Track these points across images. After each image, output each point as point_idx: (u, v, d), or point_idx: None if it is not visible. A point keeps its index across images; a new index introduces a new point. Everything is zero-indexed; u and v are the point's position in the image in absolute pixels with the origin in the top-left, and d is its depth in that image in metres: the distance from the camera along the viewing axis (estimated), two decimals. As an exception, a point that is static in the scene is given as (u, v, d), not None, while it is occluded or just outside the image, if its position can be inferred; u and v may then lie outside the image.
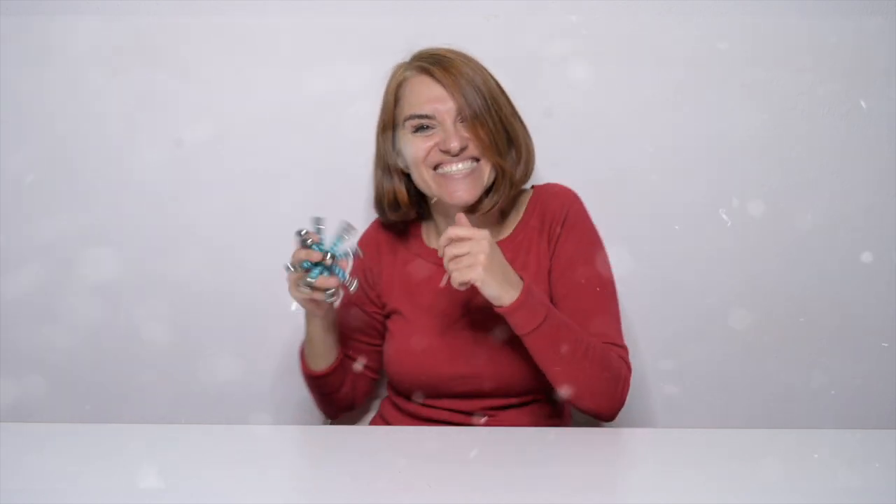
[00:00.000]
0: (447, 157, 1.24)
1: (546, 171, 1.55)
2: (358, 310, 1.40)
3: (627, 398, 1.62)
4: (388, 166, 1.32)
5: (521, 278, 1.15)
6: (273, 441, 1.12)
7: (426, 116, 1.25)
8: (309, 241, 1.17)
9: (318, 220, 1.17)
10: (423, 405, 1.31)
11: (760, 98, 1.56)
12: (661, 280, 1.62)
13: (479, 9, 1.54)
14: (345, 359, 1.37)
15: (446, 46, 1.31)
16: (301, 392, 1.46)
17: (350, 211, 1.56)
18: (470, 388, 1.27)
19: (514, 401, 1.28)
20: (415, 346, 1.30)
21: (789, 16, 1.54)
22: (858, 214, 1.59)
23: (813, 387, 1.64)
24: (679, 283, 1.62)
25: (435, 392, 1.30)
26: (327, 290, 1.17)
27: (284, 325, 1.60)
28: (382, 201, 1.35)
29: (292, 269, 1.18)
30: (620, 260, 1.57)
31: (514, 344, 1.20)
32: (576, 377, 1.16)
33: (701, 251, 1.60)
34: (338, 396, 1.40)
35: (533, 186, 1.39)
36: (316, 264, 1.16)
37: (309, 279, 1.16)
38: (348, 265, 1.16)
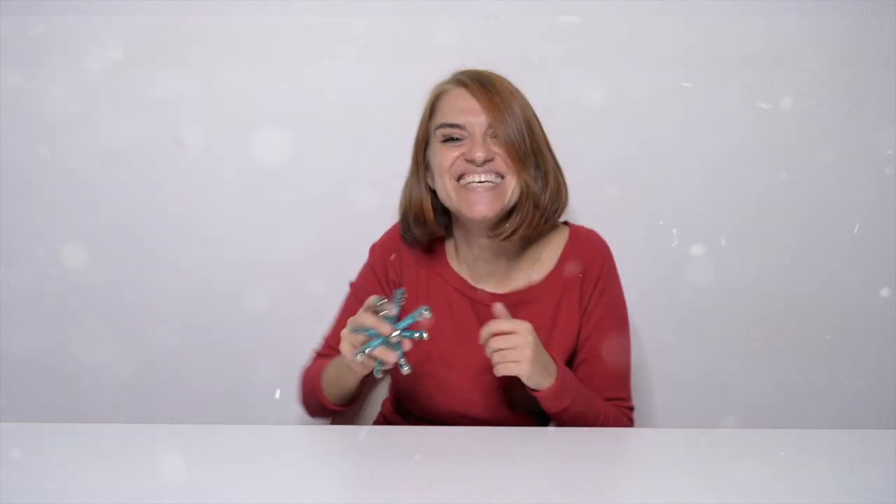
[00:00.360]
0: (471, 167, 1.22)
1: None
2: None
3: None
4: (419, 180, 1.30)
5: (554, 361, 1.17)
6: (273, 441, 1.12)
7: (456, 126, 1.23)
8: (383, 312, 1.12)
9: (401, 294, 1.15)
10: (424, 418, 1.32)
11: (760, 98, 1.56)
12: (660, 280, 1.62)
13: (479, 9, 1.54)
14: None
15: (489, 70, 1.30)
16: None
17: (350, 210, 1.56)
18: (467, 422, 1.27)
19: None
20: (424, 376, 1.28)
21: (789, 15, 1.54)
22: (858, 214, 1.59)
23: (813, 387, 1.65)
24: (679, 283, 1.62)
25: (435, 416, 1.30)
26: (381, 362, 1.12)
27: (285, 326, 1.60)
28: (409, 215, 1.31)
29: (356, 332, 1.12)
30: (619, 260, 1.57)
31: (517, 389, 1.20)
32: None
33: (700, 251, 1.60)
34: (338, 412, 1.35)
35: (568, 224, 1.36)
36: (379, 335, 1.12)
37: (368, 347, 1.11)
38: (409, 346, 1.11)
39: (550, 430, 1.26)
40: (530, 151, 1.24)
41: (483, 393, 1.27)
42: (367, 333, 1.11)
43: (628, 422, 1.27)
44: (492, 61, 1.55)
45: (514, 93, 1.27)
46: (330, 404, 1.29)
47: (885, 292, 1.61)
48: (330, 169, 1.59)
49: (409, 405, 1.34)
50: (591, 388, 1.25)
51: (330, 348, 1.34)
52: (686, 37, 1.55)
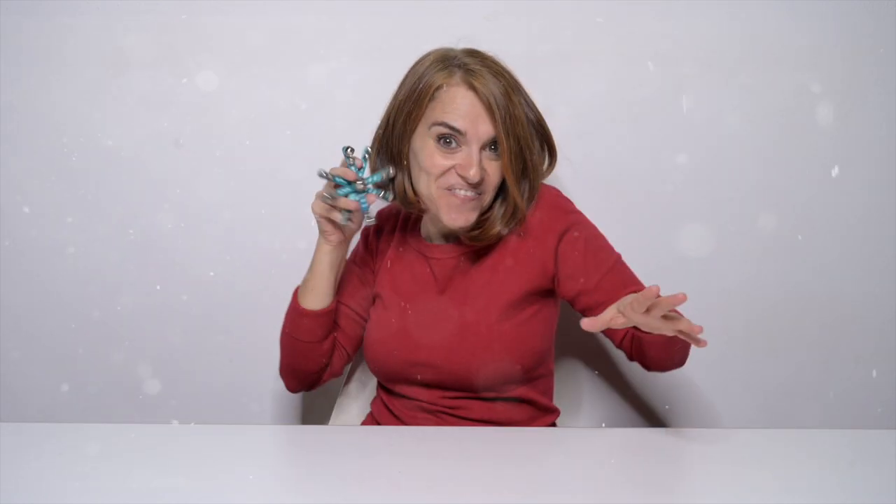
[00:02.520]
0: (461, 182, 1.21)
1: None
2: (357, 273, 1.39)
3: (628, 399, 1.63)
4: (394, 151, 1.26)
5: None
6: (273, 441, 1.12)
7: (457, 131, 1.20)
8: (351, 163, 1.23)
9: (367, 151, 1.27)
10: (400, 396, 1.32)
11: (760, 98, 1.56)
12: (660, 279, 1.62)
13: (479, 9, 1.54)
14: (336, 308, 1.34)
15: (493, 56, 1.26)
16: (301, 392, 1.46)
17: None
18: (430, 378, 1.27)
19: (475, 395, 1.28)
20: (383, 329, 1.32)
21: (789, 16, 1.54)
22: (858, 214, 1.59)
23: (813, 387, 1.65)
24: (678, 283, 1.61)
25: (402, 378, 1.31)
26: (346, 210, 1.22)
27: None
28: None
29: (327, 177, 1.22)
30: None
31: (472, 336, 1.23)
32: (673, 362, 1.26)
33: (700, 251, 1.60)
34: (317, 351, 1.33)
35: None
36: (348, 184, 1.23)
37: (336, 193, 1.22)
38: (374, 200, 1.23)
39: (550, 430, 1.26)
40: (527, 160, 1.24)
41: (442, 336, 1.27)
42: (335, 182, 1.23)
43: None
44: (492, 61, 1.55)
45: (517, 88, 1.25)
46: (302, 308, 1.31)
47: (884, 292, 1.61)
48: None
49: (380, 372, 1.35)
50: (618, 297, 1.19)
51: None
52: (686, 37, 1.55)
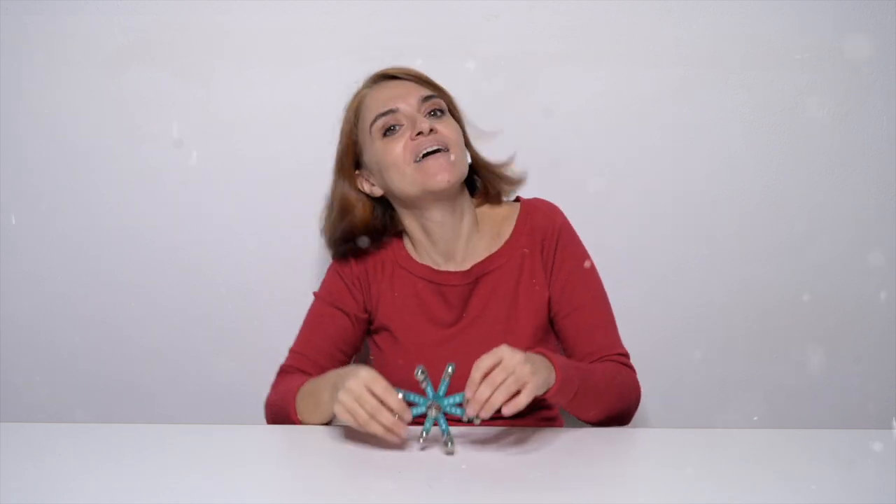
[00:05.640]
0: (421, 139, 1.22)
1: (546, 170, 1.55)
2: (342, 318, 1.32)
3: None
4: (350, 187, 1.31)
5: (542, 354, 1.10)
6: (273, 441, 1.12)
7: (390, 112, 1.24)
8: (423, 381, 1.08)
9: (422, 373, 1.08)
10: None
11: (760, 98, 1.56)
12: (660, 279, 1.62)
13: (479, 9, 1.54)
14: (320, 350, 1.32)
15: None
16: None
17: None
18: None
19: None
20: (402, 364, 1.27)
21: (789, 16, 1.54)
22: (858, 214, 1.59)
23: (813, 387, 1.65)
24: (678, 283, 1.62)
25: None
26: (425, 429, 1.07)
27: (284, 324, 1.59)
28: (338, 226, 1.31)
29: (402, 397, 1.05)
30: (619, 259, 1.58)
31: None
32: (604, 411, 1.19)
33: (700, 251, 1.61)
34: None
35: (519, 199, 1.37)
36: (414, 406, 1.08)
37: (426, 428, 1.06)
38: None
39: (550, 430, 1.26)
40: (460, 128, 1.29)
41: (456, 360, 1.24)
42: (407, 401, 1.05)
43: (628, 370, 1.25)
44: (492, 61, 1.56)
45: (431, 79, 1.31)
46: (301, 421, 1.19)
47: (884, 293, 1.61)
48: (331, 169, 1.59)
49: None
50: (580, 342, 1.25)
51: (298, 359, 1.31)
52: (686, 37, 1.55)
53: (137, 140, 1.59)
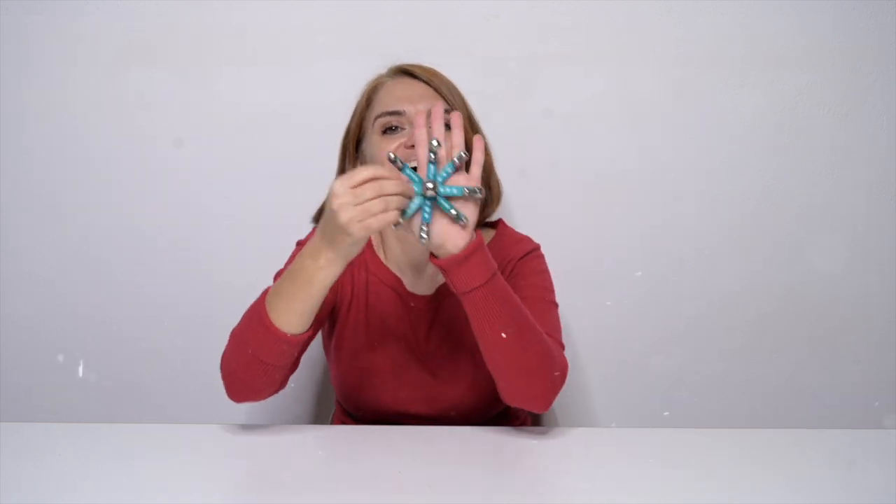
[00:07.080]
0: (412, 151, 1.08)
1: (546, 170, 1.55)
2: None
3: (629, 397, 1.62)
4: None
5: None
6: (273, 441, 1.12)
7: (396, 113, 1.18)
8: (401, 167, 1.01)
9: (437, 143, 1.01)
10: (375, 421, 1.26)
11: (760, 98, 1.56)
12: (660, 279, 1.62)
13: (479, 9, 1.54)
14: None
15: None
16: (301, 392, 1.46)
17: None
18: (412, 420, 1.23)
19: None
20: (363, 368, 1.25)
21: (789, 16, 1.54)
22: (858, 215, 1.59)
23: (813, 387, 1.65)
24: (678, 283, 1.62)
25: (386, 419, 1.25)
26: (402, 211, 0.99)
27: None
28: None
29: (396, 161, 0.98)
30: (619, 260, 1.58)
31: (461, 381, 1.21)
32: (514, 343, 1.05)
33: (700, 251, 1.61)
34: (281, 374, 1.13)
35: (500, 222, 1.32)
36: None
37: (411, 208, 0.98)
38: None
39: (550, 430, 1.25)
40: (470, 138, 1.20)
41: (417, 387, 1.24)
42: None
43: (559, 347, 1.14)
44: (492, 61, 1.56)
45: (455, 87, 1.24)
46: (285, 334, 1.06)
47: (883, 292, 1.61)
48: (330, 169, 1.59)
49: (348, 404, 1.31)
50: None
51: None
52: (686, 37, 1.55)
53: (138, 140, 1.59)
